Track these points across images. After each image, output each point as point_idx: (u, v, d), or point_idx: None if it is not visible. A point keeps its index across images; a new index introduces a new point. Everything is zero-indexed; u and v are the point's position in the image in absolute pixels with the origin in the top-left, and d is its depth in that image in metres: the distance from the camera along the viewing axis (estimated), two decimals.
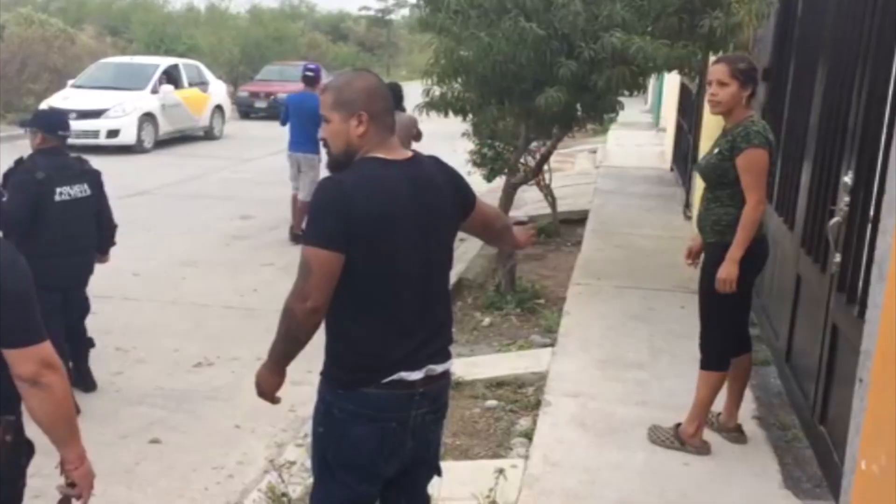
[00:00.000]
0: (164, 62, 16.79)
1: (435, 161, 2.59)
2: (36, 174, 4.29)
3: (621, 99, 6.15)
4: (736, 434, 3.95)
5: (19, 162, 4.44)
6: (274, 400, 2.68)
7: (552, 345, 5.23)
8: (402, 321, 2.45)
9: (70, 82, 15.90)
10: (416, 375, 2.45)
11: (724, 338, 3.80)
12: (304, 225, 2.42)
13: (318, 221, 2.38)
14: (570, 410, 4.21)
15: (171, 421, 4.56)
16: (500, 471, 3.35)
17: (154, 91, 15.42)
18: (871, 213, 3.17)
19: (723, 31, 5.14)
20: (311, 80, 9.20)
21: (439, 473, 2.73)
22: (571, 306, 5.88)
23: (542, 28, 5.04)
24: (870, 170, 3.31)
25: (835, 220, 3.56)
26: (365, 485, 2.51)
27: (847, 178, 3.53)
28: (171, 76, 16.01)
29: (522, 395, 4.60)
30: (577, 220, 9.22)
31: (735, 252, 3.59)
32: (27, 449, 2.22)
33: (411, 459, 2.55)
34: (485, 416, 4.38)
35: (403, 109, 7.21)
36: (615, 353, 4.99)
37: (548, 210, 9.16)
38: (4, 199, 4.20)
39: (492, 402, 4.51)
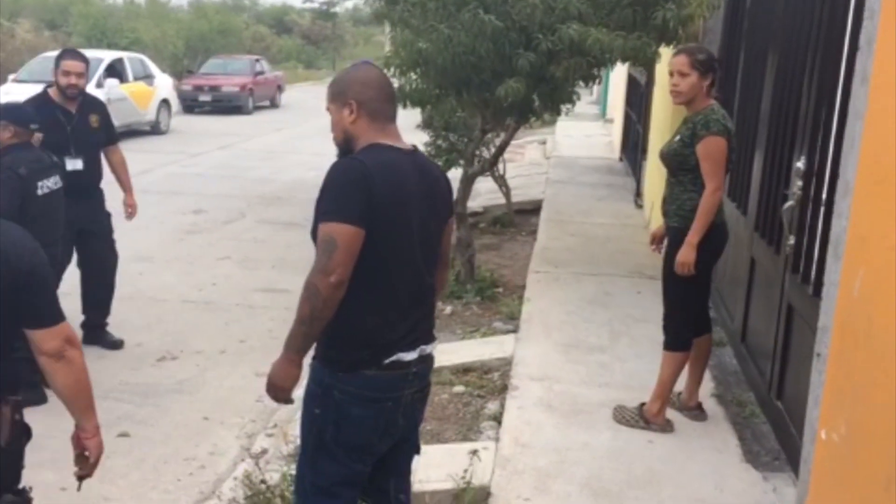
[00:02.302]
0: (109, 56, 16.49)
1: (426, 165, 2.67)
2: (19, 170, 4.28)
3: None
4: (697, 412, 4.09)
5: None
6: (290, 399, 2.63)
7: (515, 331, 5.33)
8: (401, 302, 2.53)
9: (11, 77, 15.55)
10: (411, 356, 2.54)
11: (687, 320, 3.94)
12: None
13: (343, 198, 2.41)
14: (536, 393, 4.31)
15: (138, 415, 4.54)
16: (474, 452, 3.44)
17: (99, 85, 15.12)
18: (824, 196, 3.32)
19: (675, 22, 5.28)
20: None
21: (418, 451, 2.82)
22: (532, 293, 5.99)
23: (501, 20, 5.13)
24: (821, 155, 3.46)
25: (788, 203, 3.72)
26: (360, 464, 2.59)
27: (800, 164, 3.68)
28: (115, 70, 15.74)
29: (489, 381, 4.68)
30: (531, 209, 9.35)
31: (692, 237, 3.72)
32: (28, 431, 2.36)
33: (399, 437, 2.65)
34: (453, 402, 4.46)
35: None
36: (577, 337, 5.11)
37: (502, 200, 9.28)
38: None
39: (459, 388, 4.59)
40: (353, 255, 2.39)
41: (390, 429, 2.59)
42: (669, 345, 3.97)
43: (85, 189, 5.12)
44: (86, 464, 2.50)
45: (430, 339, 2.64)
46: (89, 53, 17.17)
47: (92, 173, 5.20)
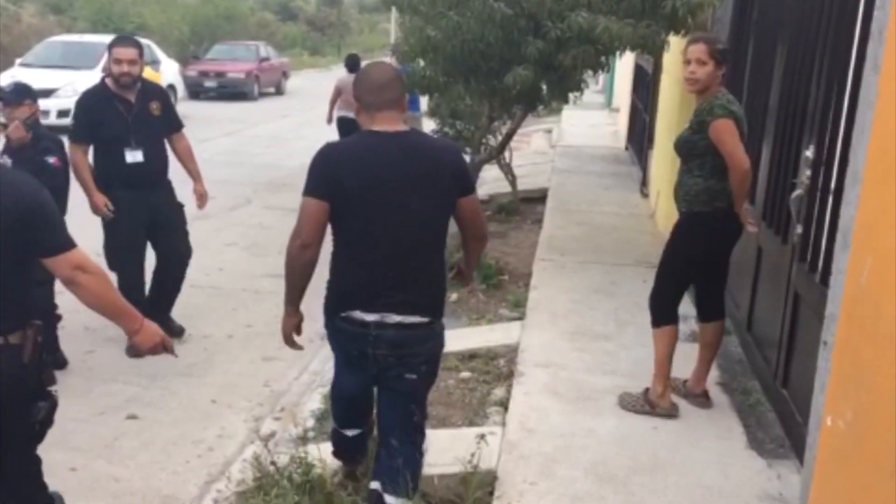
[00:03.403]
0: None
1: (441, 140, 3.02)
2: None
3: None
4: (702, 399, 4.11)
5: (38, 139, 4.57)
6: (294, 345, 3.22)
7: (521, 318, 5.36)
8: (371, 267, 2.93)
9: (18, 61, 15.56)
10: (370, 317, 2.94)
11: (673, 298, 4.07)
12: None
13: (311, 176, 2.94)
14: (542, 380, 4.34)
15: (146, 397, 4.58)
16: (482, 436, 3.46)
17: (105, 70, 15.15)
18: (833, 185, 3.33)
19: (684, 11, 5.28)
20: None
21: (415, 419, 3.12)
22: (538, 281, 6.01)
23: (510, 7, 5.13)
24: (830, 144, 3.46)
25: (797, 192, 3.72)
26: (345, 375, 3.19)
27: (808, 153, 3.69)
28: None
29: (495, 367, 4.71)
30: (537, 198, 9.36)
31: (736, 205, 3.82)
32: (43, 347, 2.66)
33: (384, 379, 3.07)
34: (460, 387, 4.49)
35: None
36: (582, 325, 5.13)
37: (508, 188, 9.28)
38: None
39: (466, 374, 4.62)
40: (316, 222, 2.89)
41: (364, 367, 3.04)
42: (655, 321, 4.06)
43: (150, 181, 4.99)
44: (139, 355, 3.10)
45: (403, 310, 2.94)
46: (96, 38, 17.37)
47: (155, 164, 5.02)
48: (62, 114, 13.80)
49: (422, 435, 3.16)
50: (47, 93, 13.77)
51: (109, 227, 5.00)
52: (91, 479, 3.74)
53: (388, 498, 3.02)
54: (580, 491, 3.33)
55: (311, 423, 4.18)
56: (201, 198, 5.38)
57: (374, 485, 3.08)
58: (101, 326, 5.36)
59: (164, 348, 2.84)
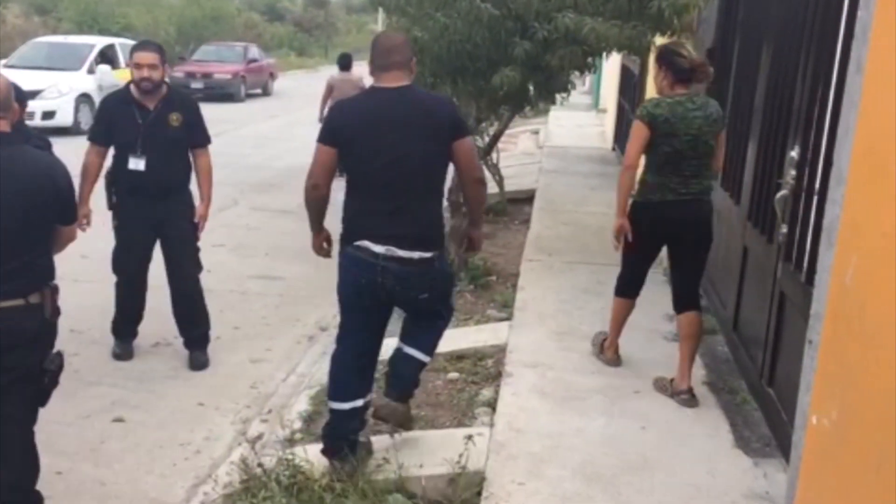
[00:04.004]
0: (100, 42, 16.42)
1: (421, 99, 3.50)
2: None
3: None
4: (687, 397, 4.13)
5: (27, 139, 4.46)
6: (321, 252, 3.86)
7: (509, 319, 5.36)
8: (373, 204, 3.42)
9: (2, 62, 15.44)
10: (378, 248, 3.37)
11: (624, 276, 4.56)
12: None
13: (321, 127, 3.54)
14: (530, 380, 4.34)
15: (132, 400, 4.55)
16: (469, 437, 3.46)
17: (90, 71, 15.08)
18: (818, 185, 3.35)
19: (670, 12, 5.30)
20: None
21: (425, 339, 3.67)
22: (525, 282, 6.01)
23: (497, 8, 5.14)
24: (815, 144, 3.48)
25: (782, 192, 3.75)
26: (349, 315, 3.58)
27: (793, 153, 3.71)
28: (107, 56, 15.67)
29: (483, 367, 4.71)
30: (524, 198, 9.37)
31: (617, 210, 4.32)
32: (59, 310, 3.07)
33: (399, 303, 3.58)
34: (447, 388, 4.49)
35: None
36: (570, 325, 5.14)
37: (495, 189, 9.27)
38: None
39: (454, 375, 4.62)
40: (324, 165, 3.48)
41: (370, 301, 3.47)
42: (615, 291, 4.63)
43: (153, 191, 4.82)
44: None
45: (406, 245, 3.37)
46: (81, 39, 17.28)
47: (160, 175, 4.79)
48: (47, 115, 13.74)
49: (446, 323, 3.78)
50: (32, 94, 13.69)
51: (115, 230, 4.99)
52: (77, 482, 3.72)
53: (407, 349, 3.64)
54: (568, 491, 3.33)
55: (298, 424, 4.16)
56: (200, 219, 5.08)
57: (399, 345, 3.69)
58: (86, 329, 5.35)
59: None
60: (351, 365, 3.56)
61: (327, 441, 3.56)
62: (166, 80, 4.91)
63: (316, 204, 3.59)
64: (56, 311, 3.01)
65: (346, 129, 3.40)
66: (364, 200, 3.44)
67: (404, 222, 3.37)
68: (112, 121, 4.86)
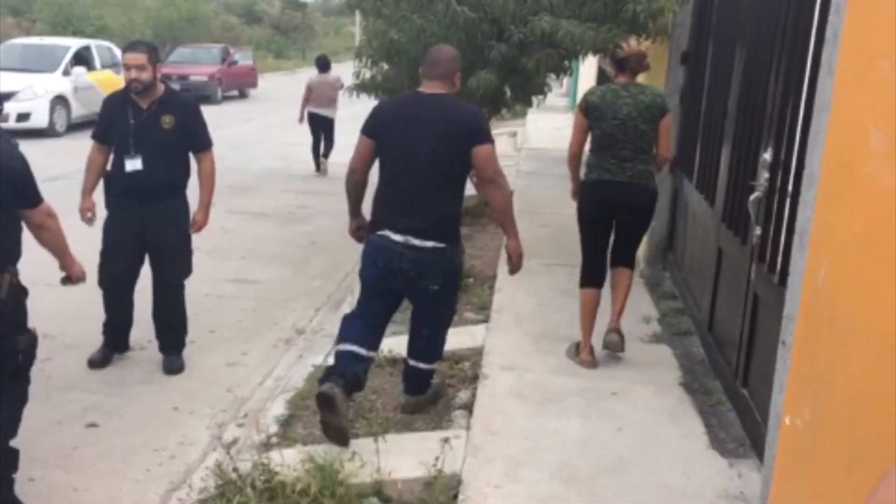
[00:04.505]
0: (76, 43, 16.28)
1: (451, 106, 3.87)
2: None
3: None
4: (616, 337, 4.66)
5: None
6: (355, 236, 4.22)
7: (485, 321, 5.36)
8: (396, 196, 3.84)
9: None
10: (397, 237, 3.80)
11: (583, 265, 4.84)
12: None
13: (365, 120, 3.97)
14: (507, 382, 4.35)
15: (106, 405, 4.51)
16: (446, 440, 3.45)
17: (66, 73, 14.95)
18: (790, 187, 3.37)
19: (645, 15, 5.33)
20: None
21: (432, 323, 4.09)
22: (502, 284, 6.02)
23: (473, 11, 5.14)
24: (788, 147, 3.51)
25: (755, 195, 3.77)
26: (365, 296, 4.00)
27: (766, 156, 3.74)
28: (82, 58, 15.54)
29: (459, 370, 4.71)
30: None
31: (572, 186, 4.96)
32: (24, 290, 3.34)
33: (410, 293, 3.99)
34: None
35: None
36: (547, 327, 5.15)
37: (473, 191, 9.27)
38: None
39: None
40: (363, 154, 3.94)
41: (386, 284, 3.91)
42: (579, 285, 4.85)
43: (144, 193, 4.74)
44: (71, 283, 3.81)
45: (421, 236, 3.76)
46: (56, 41, 17.12)
47: (149, 177, 4.72)
48: (22, 117, 13.62)
49: (446, 327, 4.16)
50: (7, 96, 13.56)
51: (103, 231, 4.94)
52: (49, 489, 3.68)
53: (412, 362, 4.10)
54: (545, 493, 3.33)
55: (274, 428, 4.13)
56: (194, 224, 5.02)
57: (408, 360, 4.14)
58: (58, 334, 5.29)
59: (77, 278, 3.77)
60: (360, 323, 3.99)
61: (325, 374, 3.89)
62: (160, 80, 4.85)
63: (353, 189, 4.05)
64: (15, 293, 3.21)
65: (380, 123, 3.90)
66: (387, 192, 3.88)
67: (418, 214, 3.78)
68: (111, 120, 4.84)
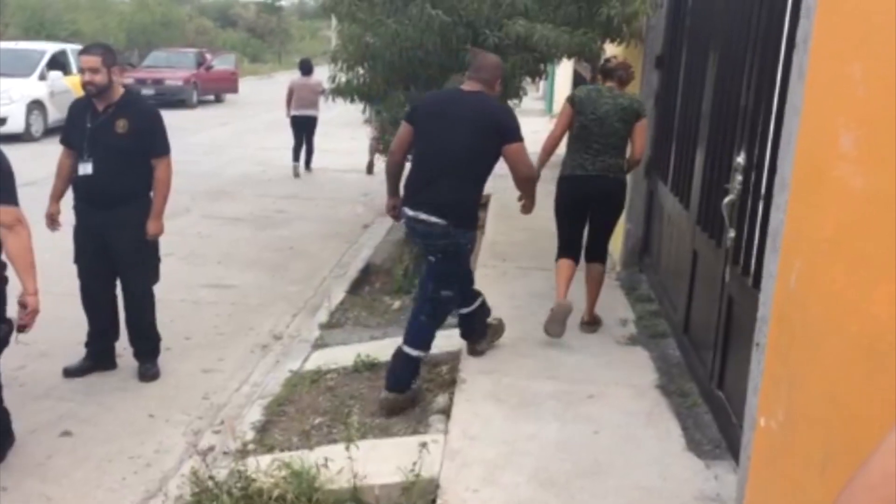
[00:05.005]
0: (52, 48, 16.15)
1: (487, 105, 4.27)
2: None
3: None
4: (587, 325, 5.18)
5: None
6: (391, 213, 4.64)
7: None
8: (419, 177, 4.28)
9: None
10: (411, 213, 4.29)
11: (559, 242, 5.24)
12: None
13: (409, 109, 4.55)
14: (484, 386, 4.35)
15: (81, 413, 4.46)
16: (423, 444, 3.45)
17: (42, 77, 14.83)
18: (763, 190, 3.40)
19: (619, 19, 5.37)
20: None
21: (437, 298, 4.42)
22: (480, 288, 5.99)
23: (448, 15, 5.15)
24: (760, 150, 3.54)
25: (729, 198, 3.80)
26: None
27: (740, 159, 3.77)
28: (58, 62, 15.42)
29: (437, 374, 4.70)
30: (479, 204, 9.36)
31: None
32: (6, 280, 3.58)
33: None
34: None
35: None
36: (524, 330, 5.15)
37: None
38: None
39: None
40: (402, 139, 4.36)
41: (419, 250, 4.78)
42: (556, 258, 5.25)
43: (97, 199, 4.68)
44: (27, 317, 3.64)
45: (430, 211, 4.18)
46: (32, 45, 16.95)
47: (102, 182, 4.64)
48: None
49: (434, 313, 4.39)
50: None
51: (72, 237, 4.90)
52: (22, 499, 3.64)
53: (405, 348, 4.32)
54: (523, 496, 3.34)
55: (251, 435, 4.11)
56: (149, 233, 4.84)
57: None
58: (32, 341, 5.20)
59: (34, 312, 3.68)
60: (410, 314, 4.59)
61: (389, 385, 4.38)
62: (122, 84, 4.78)
63: (391, 169, 4.51)
64: (2, 284, 3.56)
65: (420, 112, 4.34)
66: (412, 173, 4.33)
67: (433, 194, 4.18)
68: (73, 124, 4.80)
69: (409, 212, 4.29)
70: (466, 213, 4.30)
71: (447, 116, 4.20)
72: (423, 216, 4.21)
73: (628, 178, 6.30)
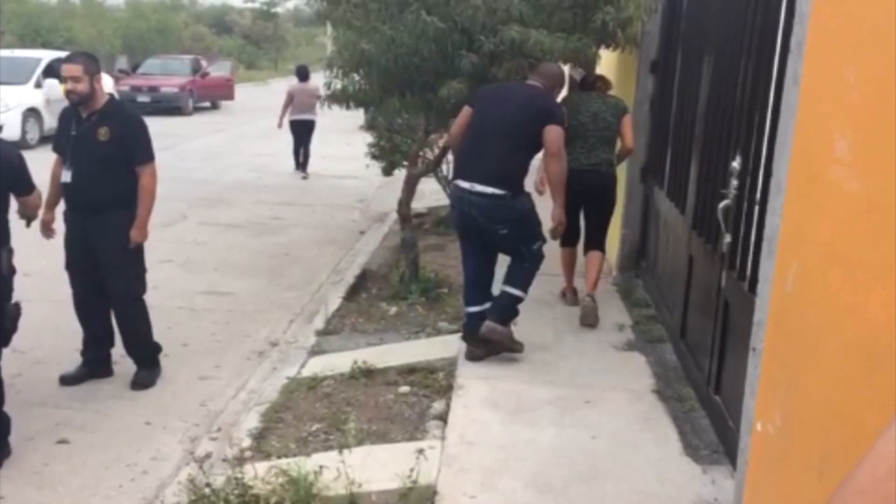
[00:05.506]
0: (48, 55, 16.15)
1: (540, 94, 4.80)
2: None
3: None
4: (590, 301, 5.49)
5: None
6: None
7: (459, 331, 5.34)
8: (471, 151, 4.72)
9: None
10: (465, 185, 4.66)
11: (567, 231, 5.24)
12: None
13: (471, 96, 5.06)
14: (481, 392, 4.35)
15: (77, 420, 4.45)
16: (420, 451, 3.45)
17: (38, 85, 14.83)
18: (758, 195, 3.41)
19: (614, 24, 5.37)
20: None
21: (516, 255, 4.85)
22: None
23: (443, 21, 5.16)
24: (756, 155, 3.55)
25: (724, 202, 3.81)
26: (459, 240, 5.04)
27: (735, 164, 3.78)
28: (54, 70, 15.37)
29: (434, 380, 4.70)
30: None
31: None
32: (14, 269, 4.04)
33: (486, 238, 4.75)
34: (399, 402, 4.46)
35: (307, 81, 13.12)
36: (521, 336, 5.13)
37: (447, 201, 9.26)
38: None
39: (405, 388, 4.59)
40: (462, 121, 4.83)
41: (467, 226, 4.77)
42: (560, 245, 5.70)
43: (80, 205, 4.69)
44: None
45: (484, 182, 4.57)
46: (28, 53, 16.94)
47: (84, 189, 4.65)
48: None
49: (534, 263, 4.80)
50: None
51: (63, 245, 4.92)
52: None
53: (508, 288, 4.76)
54: (520, 502, 3.34)
55: (248, 442, 4.10)
56: (131, 241, 4.78)
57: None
58: (28, 349, 5.22)
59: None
60: (469, 282, 4.91)
61: (464, 333, 4.89)
62: (110, 92, 4.82)
63: (453, 144, 5.08)
64: (11, 270, 3.95)
65: (480, 96, 4.85)
66: (464, 148, 4.77)
67: (485, 166, 4.58)
68: (61, 131, 4.83)
69: (464, 183, 4.62)
70: (519, 183, 4.68)
71: (503, 97, 4.73)
72: (478, 187, 4.56)
73: (623, 183, 6.35)
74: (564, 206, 4.90)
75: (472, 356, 4.75)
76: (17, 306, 3.99)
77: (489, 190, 4.54)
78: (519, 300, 4.81)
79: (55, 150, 4.90)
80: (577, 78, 10.13)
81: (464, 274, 4.96)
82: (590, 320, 5.41)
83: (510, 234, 4.64)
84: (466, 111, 4.79)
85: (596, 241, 5.75)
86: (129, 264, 4.82)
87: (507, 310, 4.79)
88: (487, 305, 4.78)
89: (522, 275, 4.78)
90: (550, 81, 4.90)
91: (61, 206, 4.89)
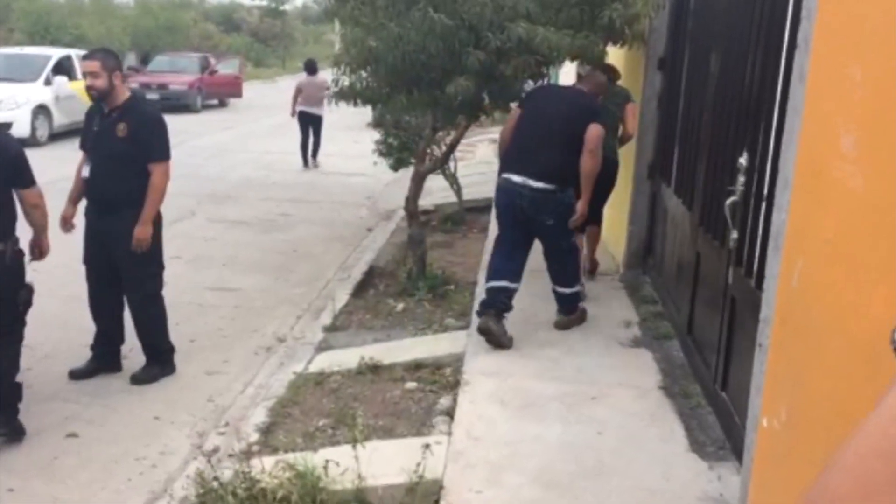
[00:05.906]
0: (57, 53, 16.21)
1: (585, 95, 5.22)
2: None
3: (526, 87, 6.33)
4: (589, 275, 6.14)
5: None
6: None
7: (466, 327, 5.37)
8: (521, 148, 4.99)
9: None
10: (516, 178, 4.92)
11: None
12: None
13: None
14: (488, 388, 4.36)
15: (86, 415, 4.49)
16: (427, 446, 3.46)
17: (47, 82, 14.89)
18: (766, 191, 3.41)
19: (621, 21, 5.37)
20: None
21: (558, 259, 5.19)
22: (483, 290, 6.01)
23: (451, 19, 5.15)
24: (763, 151, 3.55)
25: (732, 199, 3.81)
26: (500, 229, 5.22)
27: (742, 160, 3.78)
28: (63, 67, 15.47)
29: (441, 376, 4.71)
30: (483, 207, 9.39)
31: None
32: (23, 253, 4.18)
33: (532, 228, 5.03)
34: (406, 398, 4.48)
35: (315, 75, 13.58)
36: (527, 332, 5.16)
37: (454, 198, 9.31)
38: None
39: (411, 384, 4.61)
40: (512, 122, 5.17)
41: (513, 217, 5.00)
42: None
43: (99, 202, 4.74)
44: (39, 256, 4.47)
45: (536, 178, 4.86)
46: (37, 51, 17.01)
47: (101, 185, 4.70)
48: (3, 126, 13.45)
49: (571, 256, 5.20)
50: None
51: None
52: (28, 499, 3.66)
53: (558, 288, 5.19)
54: (526, 498, 3.35)
55: (255, 437, 4.12)
56: (134, 241, 4.71)
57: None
58: (37, 344, 5.25)
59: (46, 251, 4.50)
60: (500, 259, 5.05)
61: (480, 308, 5.01)
62: (128, 88, 4.86)
63: (503, 140, 5.24)
64: (17, 256, 4.09)
65: (530, 97, 5.34)
66: (514, 145, 5.03)
67: (536, 163, 4.86)
68: (86, 127, 4.91)
69: (517, 178, 4.89)
70: (567, 177, 4.92)
71: (551, 101, 5.13)
72: (532, 182, 4.84)
73: (630, 180, 6.34)
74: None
75: (485, 327, 4.87)
76: (30, 288, 4.15)
77: (541, 185, 4.83)
78: (577, 294, 5.28)
79: (81, 146, 4.96)
80: (583, 74, 10.17)
81: (494, 254, 5.14)
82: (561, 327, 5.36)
83: (554, 226, 4.94)
84: (516, 113, 5.15)
85: (595, 216, 6.05)
86: (145, 262, 4.82)
87: (571, 302, 5.25)
88: (514, 286, 4.99)
89: (565, 271, 5.18)
90: (595, 88, 5.34)
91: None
